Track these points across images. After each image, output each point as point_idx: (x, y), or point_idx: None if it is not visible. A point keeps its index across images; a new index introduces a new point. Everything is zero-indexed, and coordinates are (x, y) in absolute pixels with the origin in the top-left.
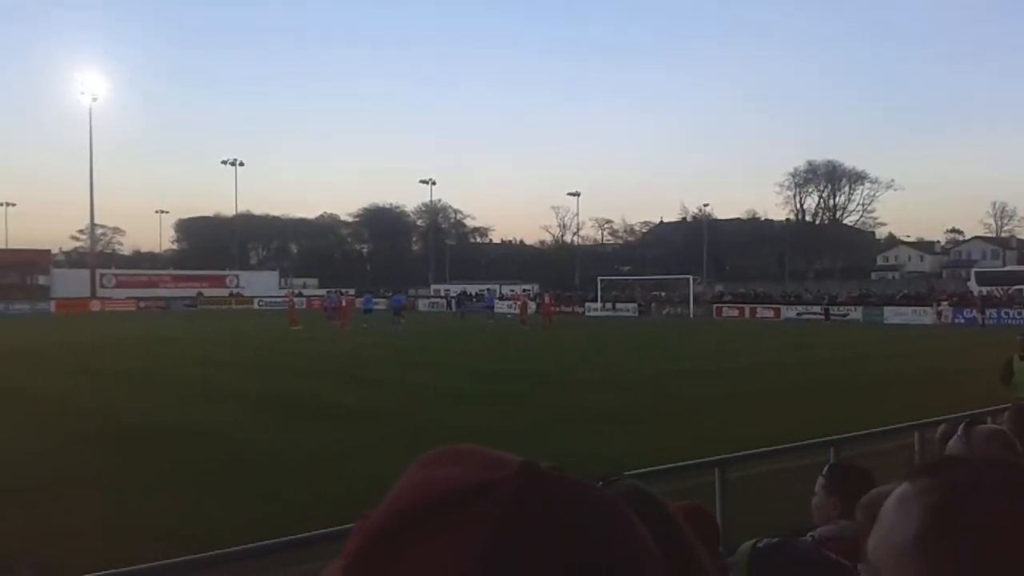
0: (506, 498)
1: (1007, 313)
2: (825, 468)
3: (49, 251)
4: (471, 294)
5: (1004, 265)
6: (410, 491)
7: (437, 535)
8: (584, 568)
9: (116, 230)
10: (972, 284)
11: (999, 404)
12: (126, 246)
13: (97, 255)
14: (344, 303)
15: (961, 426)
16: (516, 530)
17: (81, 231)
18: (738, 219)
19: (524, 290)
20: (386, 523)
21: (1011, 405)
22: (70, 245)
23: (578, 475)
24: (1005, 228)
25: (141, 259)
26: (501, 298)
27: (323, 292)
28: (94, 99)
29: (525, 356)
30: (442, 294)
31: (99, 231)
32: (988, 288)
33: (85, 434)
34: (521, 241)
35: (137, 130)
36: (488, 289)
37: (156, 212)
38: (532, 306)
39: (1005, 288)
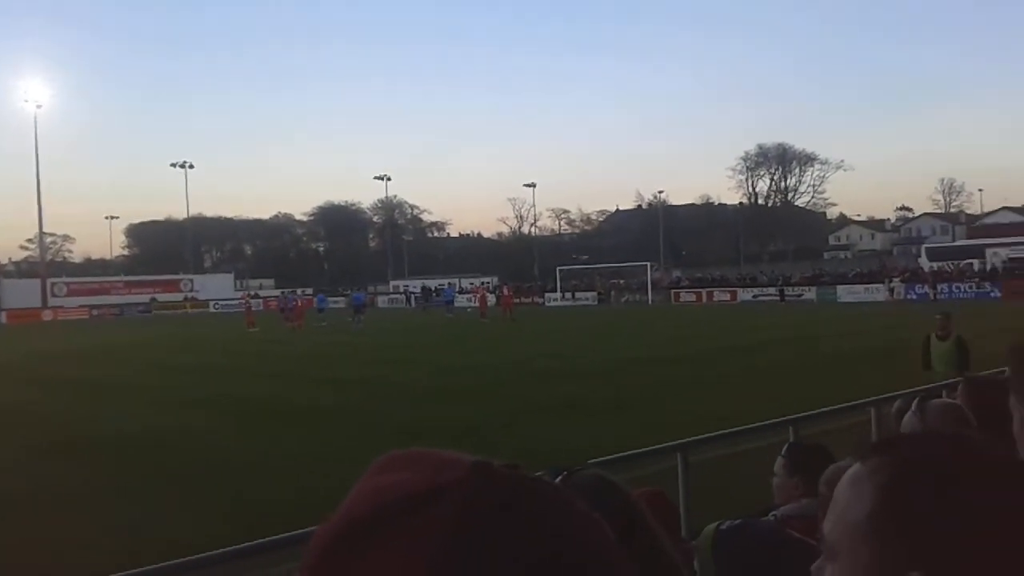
0: (459, 501)
1: (958, 287)
2: (784, 448)
3: None
4: (431, 289)
5: (954, 240)
6: (364, 498)
7: (393, 542)
8: (543, 567)
9: (66, 238)
10: (923, 260)
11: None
12: (76, 254)
13: (48, 264)
14: (299, 303)
15: (915, 401)
16: (471, 533)
17: (30, 240)
18: (693, 205)
19: (483, 283)
20: (342, 531)
21: (963, 378)
22: (20, 255)
23: (531, 473)
24: (954, 204)
25: (92, 266)
26: (460, 292)
27: (278, 293)
28: (38, 106)
29: (485, 349)
30: (401, 290)
31: (49, 239)
32: (939, 263)
33: (51, 445)
34: (479, 234)
35: (84, 136)
36: (448, 283)
37: (106, 218)
38: (491, 299)
39: (955, 262)
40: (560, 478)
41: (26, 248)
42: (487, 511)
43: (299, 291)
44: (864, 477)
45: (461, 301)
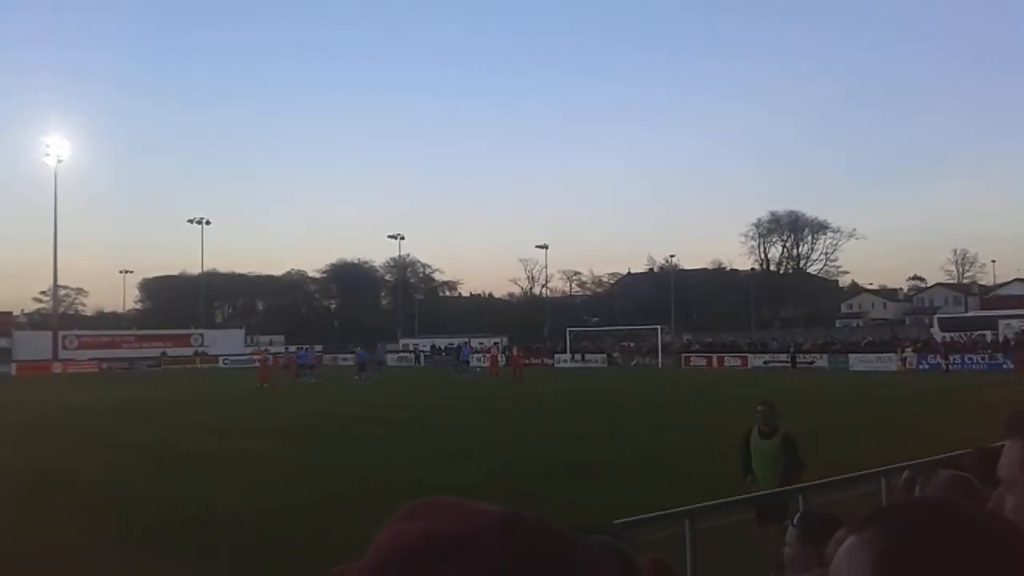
0: (493, 548)
1: (971, 359)
2: (795, 518)
3: (11, 313)
4: (440, 348)
5: (967, 311)
6: (394, 544)
7: None
8: None
9: (79, 291)
10: (935, 330)
11: (963, 448)
12: (89, 306)
13: (60, 316)
14: (274, 359)
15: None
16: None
17: (44, 292)
18: (704, 269)
19: (495, 343)
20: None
21: (972, 449)
22: (33, 307)
23: (557, 526)
24: (967, 274)
25: (105, 319)
26: (473, 351)
27: (286, 349)
28: (59, 160)
29: (497, 409)
30: (411, 348)
31: (62, 292)
32: (951, 334)
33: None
34: (490, 294)
35: (101, 190)
36: (465, 342)
37: (120, 272)
38: (502, 359)
39: (968, 334)
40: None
41: (39, 300)
42: (521, 559)
43: (308, 348)
44: (860, 548)
45: (472, 360)
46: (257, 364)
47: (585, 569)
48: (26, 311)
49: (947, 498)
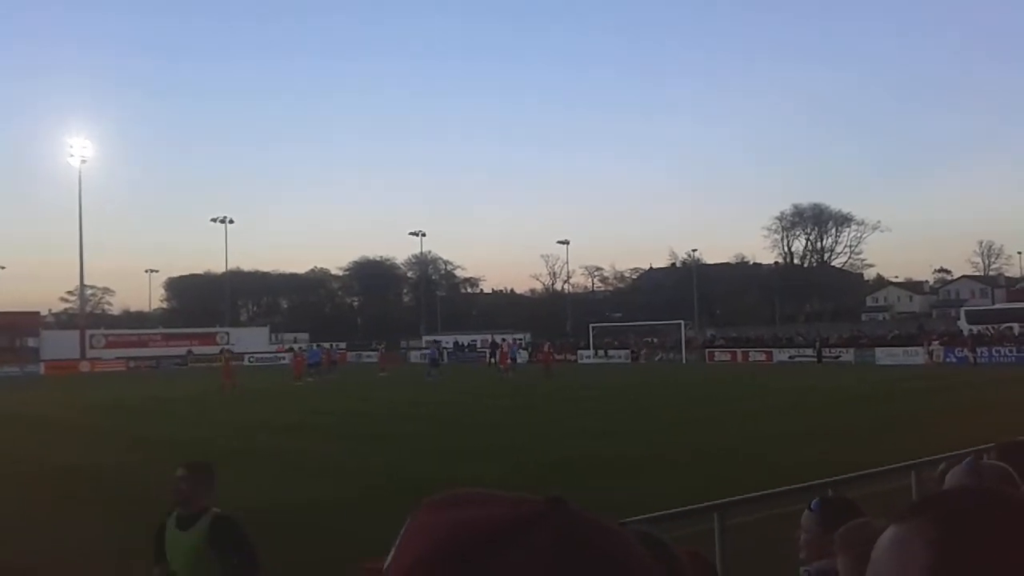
0: (551, 531)
1: (998, 351)
2: (813, 503)
3: (39, 313)
4: (463, 345)
5: (993, 303)
6: (440, 533)
7: (491, 571)
8: None
9: (106, 290)
10: (962, 323)
11: (994, 441)
12: (116, 306)
13: (87, 316)
14: (324, 357)
15: (968, 460)
16: (571, 560)
17: (71, 292)
18: (727, 263)
19: (503, 339)
20: (428, 565)
21: (996, 443)
22: (60, 306)
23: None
24: (993, 266)
25: (131, 319)
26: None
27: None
28: (83, 161)
29: (528, 405)
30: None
31: (88, 292)
32: (978, 327)
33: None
34: (512, 290)
35: (125, 190)
36: (503, 339)
37: (146, 271)
38: (523, 355)
39: (995, 326)
40: None
41: (66, 300)
42: (579, 540)
43: (330, 344)
44: (910, 537)
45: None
46: (286, 362)
47: (633, 552)
48: (53, 311)
49: (993, 487)
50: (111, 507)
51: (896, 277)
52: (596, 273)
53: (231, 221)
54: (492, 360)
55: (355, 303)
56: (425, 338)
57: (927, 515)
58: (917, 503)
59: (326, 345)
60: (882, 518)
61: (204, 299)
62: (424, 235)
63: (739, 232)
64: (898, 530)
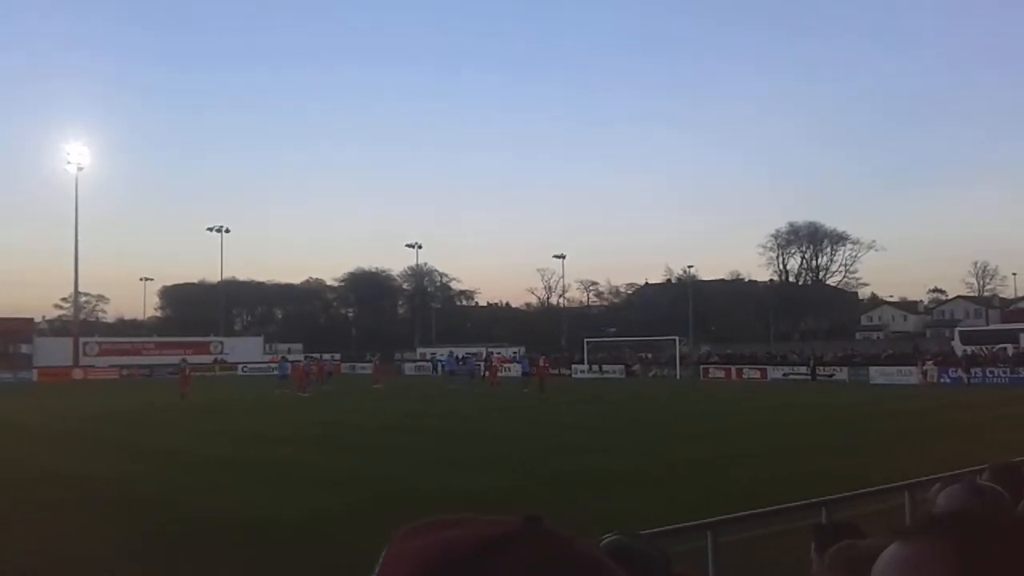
0: (530, 549)
1: (991, 372)
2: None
3: (32, 320)
4: (459, 357)
5: (987, 324)
6: (417, 557)
7: None
8: None
9: (100, 298)
10: (956, 343)
11: (981, 463)
12: (110, 313)
13: (80, 323)
14: (315, 368)
15: (968, 479)
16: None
17: (65, 299)
18: (722, 280)
19: (489, 351)
20: None
21: (989, 464)
22: (53, 313)
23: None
24: (987, 287)
25: (125, 327)
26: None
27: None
28: (80, 168)
29: (521, 419)
30: (427, 358)
31: (83, 299)
32: (972, 347)
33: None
34: (507, 304)
35: (122, 198)
36: (515, 351)
37: (141, 279)
38: (518, 368)
39: (989, 347)
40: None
41: (60, 307)
42: (555, 559)
43: (319, 355)
44: (924, 557)
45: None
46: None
47: (607, 573)
48: (47, 318)
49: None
50: (95, 514)
51: (891, 296)
52: (591, 288)
53: (227, 230)
54: (484, 374)
55: (350, 314)
56: (436, 349)
57: (943, 535)
58: (924, 522)
59: (316, 356)
60: (870, 537)
61: (199, 308)
62: (420, 247)
63: (735, 249)
64: (908, 550)
